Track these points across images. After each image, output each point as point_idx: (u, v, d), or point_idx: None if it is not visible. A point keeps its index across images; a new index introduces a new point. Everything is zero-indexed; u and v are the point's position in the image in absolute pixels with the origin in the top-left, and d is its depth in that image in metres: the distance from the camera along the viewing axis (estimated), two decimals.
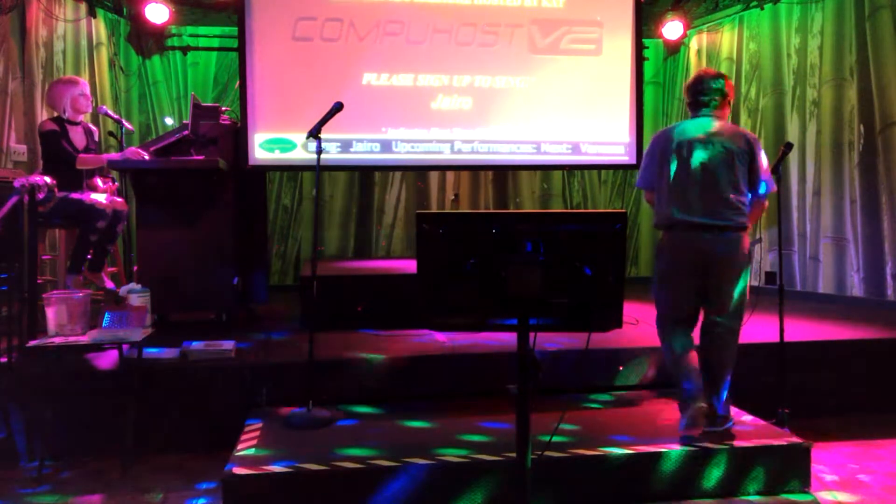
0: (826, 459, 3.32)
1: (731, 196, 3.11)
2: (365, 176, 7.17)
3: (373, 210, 7.25)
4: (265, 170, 5.67)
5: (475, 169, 6.87)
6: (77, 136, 4.53)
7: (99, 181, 4.63)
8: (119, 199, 4.68)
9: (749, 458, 2.96)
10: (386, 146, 5.45)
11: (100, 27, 6.30)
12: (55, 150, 4.38)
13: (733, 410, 3.42)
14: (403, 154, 5.49)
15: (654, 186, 3.30)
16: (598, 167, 7.02)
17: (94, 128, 4.78)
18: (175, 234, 4.38)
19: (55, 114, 4.55)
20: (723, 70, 6.90)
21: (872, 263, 5.54)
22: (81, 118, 4.62)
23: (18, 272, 3.51)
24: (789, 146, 3.47)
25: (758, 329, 4.45)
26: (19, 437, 3.29)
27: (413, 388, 3.66)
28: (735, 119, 6.79)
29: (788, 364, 3.93)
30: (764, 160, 3.19)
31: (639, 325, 4.48)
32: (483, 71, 5.50)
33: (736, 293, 3.16)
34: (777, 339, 3.58)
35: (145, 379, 3.38)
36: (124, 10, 6.56)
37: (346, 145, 5.30)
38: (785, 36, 6.32)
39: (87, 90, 4.61)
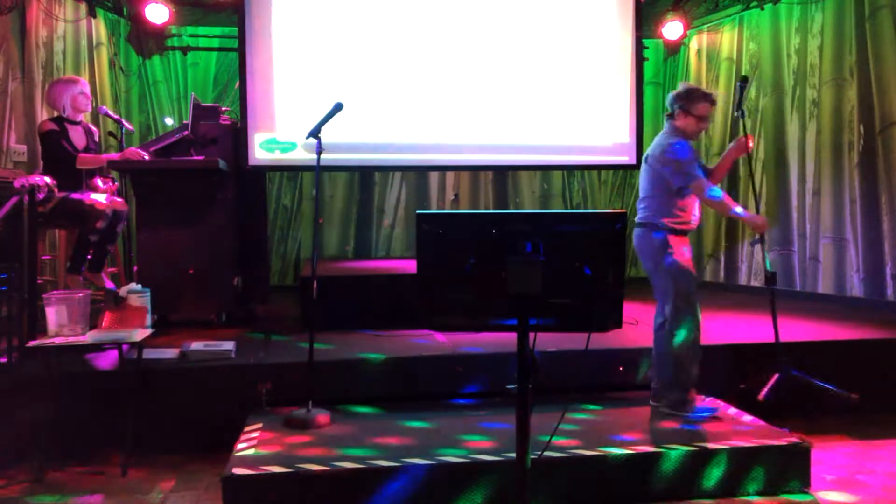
0: (826, 459, 3.31)
1: (643, 196, 3.56)
2: (365, 176, 7.17)
3: (373, 210, 7.25)
4: (265, 170, 5.67)
5: (475, 169, 6.87)
6: (77, 136, 4.53)
7: (99, 181, 4.63)
8: (119, 199, 4.67)
9: (749, 458, 2.96)
10: (386, 146, 5.45)
11: (100, 27, 6.30)
12: (55, 149, 4.38)
13: (733, 410, 3.44)
14: (403, 154, 5.49)
15: None
16: (599, 167, 7.02)
17: (94, 128, 4.78)
18: (175, 235, 4.38)
19: (55, 113, 4.55)
20: (722, 70, 6.92)
21: (872, 264, 5.54)
22: (81, 117, 4.62)
23: (18, 272, 3.51)
24: (745, 79, 3.81)
25: (757, 329, 4.46)
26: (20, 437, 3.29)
27: (413, 388, 3.67)
28: (735, 119, 6.79)
29: (788, 364, 3.94)
30: (669, 159, 3.44)
31: (638, 325, 4.48)
32: (483, 71, 5.50)
33: (657, 285, 3.47)
34: (772, 340, 3.60)
35: (145, 379, 3.39)
36: (124, 10, 6.56)
37: (346, 145, 5.30)
38: (785, 36, 6.32)
39: (87, 89, 4.61)
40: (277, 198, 7.09)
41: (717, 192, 3.45)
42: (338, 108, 3.47)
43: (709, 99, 3.49)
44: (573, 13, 5.65)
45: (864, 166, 5.61)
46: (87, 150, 4.54)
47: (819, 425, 3.70)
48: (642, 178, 3.58)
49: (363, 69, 5.38)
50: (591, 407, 3.53)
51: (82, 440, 3.34)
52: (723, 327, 4.57)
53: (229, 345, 3.71)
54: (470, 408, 3.55)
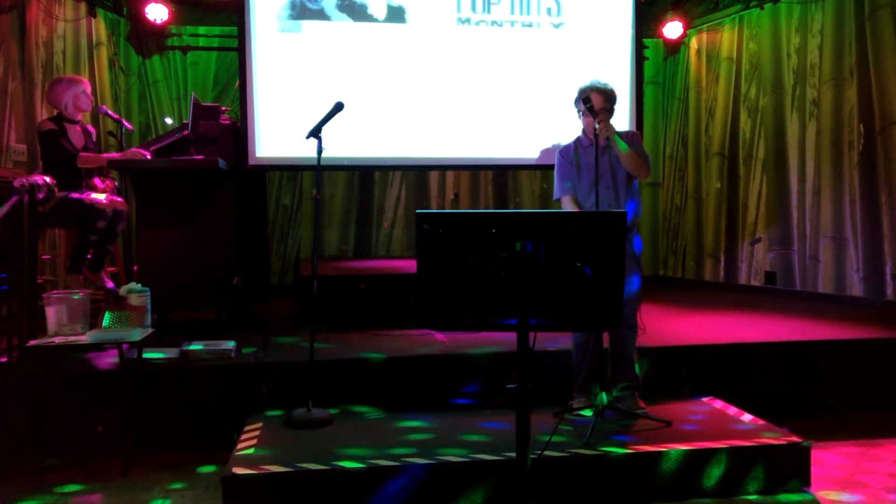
0: (826, 459, 3.32)
1: None
2: (365, 176, 7.17)
3: (373, 210, 7.25)
4: (265, 170, 5.66)
5: (475, 169, 6.87)
6: (75, 136, 4.53)
7: (97, 180, 4.61)
8: (119, 199, 4.67)
9: (749, 457, 2.96)
10: (386, 146, 5.45)
11: (100, 27, 6.30)
12: (55, 149, 4.38)
13: (733, 410, 3.47)
14: (403, 154, 5.49)
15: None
16: None
17: (91, 128, 4.77)
18: (175, 234, 4.38)
19: (54, 112, 4.55)
20: (722, 70, 6.93)
21: (872, 263, 5.54)
22: (80, 117, 4.62)
23: (18, 272, 3.51)
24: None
25: (752, 329, 4.46)
26: (20, 437, 3.29)
27: (413, 388, 3.67)
28: (735, 118, 6.80)
29: (788, 364, 3.95)
30: None
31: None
32: (484, 70, 5.50)
33: None
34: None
35: (145, 379, 3.39)
36: (124, 9, 6.56)
37: (346, 145, 5.29)
38: (785, 36, 6.32)
39: (89, 89, 4.61)
40: (277, 198, 7.09)
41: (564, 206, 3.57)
42: (338, 107, 3.47)
43: (582, 93, 3.49)
44: (573, 12, 5.65)
45: (864, 166, 5.61)
46: (85, 149, 4.54)
47: (819, 425, 3.70)
48: None
49: (364, 69, 5.37)
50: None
51: (82, 440, 3.34)
52: (723, 327, 4.58)
53: (229, 345, 3.71)
54: (470, 408, 3.55)
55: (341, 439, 3.05)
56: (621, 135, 3.52)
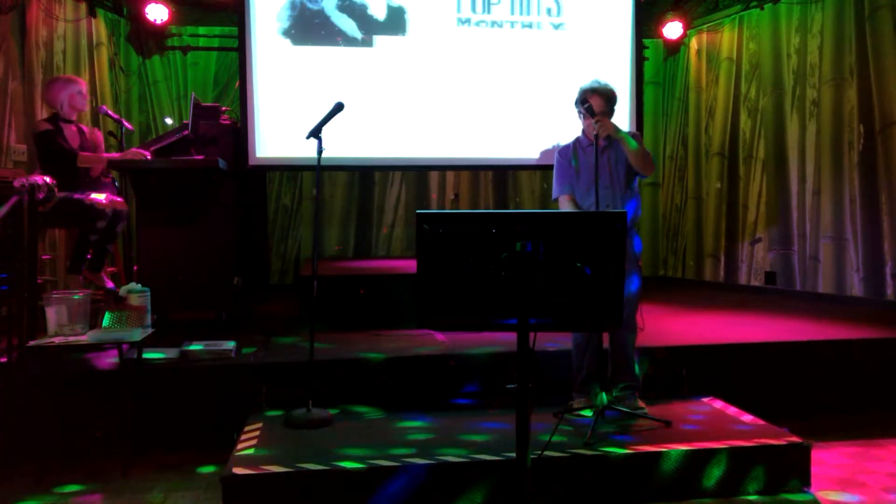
0: (826, 459, 3.32)
1: None
2: (365, 176, 7.17)
3: (373, 210, 7.25)
4: (265, 170, 5.67)
5: (475, 169, 6.87)
6: (71, 135, 4.52)
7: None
8: (119, 199, 4.67)
9: (749, 457, 2.96)
10: (386, 146, 5.45)
11: (100, 27, 6.30)
12: (55, 148, 4.37)
13: (733, 410, 3.46)
14: (403, 154, 5.49)
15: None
16: None
17: (85, 128, 4.76)
18: (175, 234, 4.38)
19: (51, 112, 4.55)
20: (722, 70, 6.93)
21: (872, 263, 5.54)
22: (76, 117, 4.62)
23: (18, 272, 3.51)
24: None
25: (752, 329, 4.46)
26: (20, 437, 3.29)
27: (413, 388, 3.67)
28: (735, 118, 6.80)
29: (788, 364, 3.95)
30: None
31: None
32: (484, 71, 5.51)
33: None
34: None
35: (145, 379, 3.39)
36: (124, 10, 6.55)
37: (346, 145, 5.29)
38: (785, 36, 6.32)
39: (85, 89, 4.60)
40: (277, 198, 7.09)
41: (562, 206, 3.56)
42: (338, 107, 3.47)
43: (582, 94, 3.47)
44: (573, 13, 5.65)
45: (864, 166, 5.61)
46: (82, 148, 4.54)
47: (819, 425, 3.70)
48: None
49: (363, 69, 5.38)
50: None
51: (82, 440, 3.34)
52: (723, 327, 4.58)
53: (229, 345, 3.71)
54: (470, 408, 3.55)
55: (341, 439, 3.05)
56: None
